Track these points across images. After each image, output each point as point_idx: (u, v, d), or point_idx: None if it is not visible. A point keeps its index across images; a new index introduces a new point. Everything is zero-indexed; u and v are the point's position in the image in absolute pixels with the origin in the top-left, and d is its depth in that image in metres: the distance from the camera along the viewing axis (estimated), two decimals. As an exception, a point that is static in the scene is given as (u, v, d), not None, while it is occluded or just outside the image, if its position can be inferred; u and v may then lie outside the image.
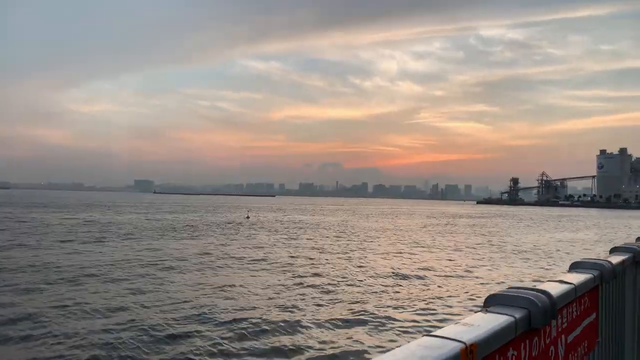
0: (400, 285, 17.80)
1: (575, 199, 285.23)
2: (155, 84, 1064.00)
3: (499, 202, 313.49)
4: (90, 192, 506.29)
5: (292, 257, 25.48)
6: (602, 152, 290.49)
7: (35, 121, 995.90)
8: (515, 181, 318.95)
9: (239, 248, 28.93)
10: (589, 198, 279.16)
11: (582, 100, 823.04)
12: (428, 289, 17.04)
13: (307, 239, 36.93)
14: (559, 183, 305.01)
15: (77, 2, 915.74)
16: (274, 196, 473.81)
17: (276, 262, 23.11)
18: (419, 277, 19.63)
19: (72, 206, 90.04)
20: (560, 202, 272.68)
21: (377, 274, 20.35)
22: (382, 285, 17.90)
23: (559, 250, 32.87)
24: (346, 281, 18.43)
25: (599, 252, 31.41)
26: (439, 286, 17.64)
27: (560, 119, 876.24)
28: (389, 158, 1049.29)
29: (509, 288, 1.70)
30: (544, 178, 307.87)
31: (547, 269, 23.08)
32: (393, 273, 20.50)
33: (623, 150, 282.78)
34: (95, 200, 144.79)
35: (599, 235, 48.89)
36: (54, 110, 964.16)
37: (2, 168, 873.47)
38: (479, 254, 28.99)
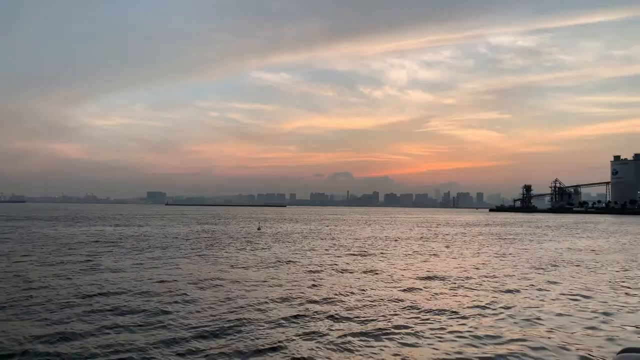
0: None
1: (590, 205, 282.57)
2: (167, 97, 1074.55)
3: (511, 209, 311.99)
4: (104, 204, 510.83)
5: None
6: (616, 158, 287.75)
7: (50, 136, 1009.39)
8: (527, 188, 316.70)
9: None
10: (604, 205, 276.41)
11: (595, 106, 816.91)
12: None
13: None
14: (572, 190, 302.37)
15: (90, 18, 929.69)
16: (284, 206, 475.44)
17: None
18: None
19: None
20: (574, 209, 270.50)
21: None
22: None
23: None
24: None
25: None
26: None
27: (573, 125, 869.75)
28: (400, 167, 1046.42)
29: None
30: (557, 185, 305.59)
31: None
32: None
33: (638, 156, 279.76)
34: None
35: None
36: (69, 125, 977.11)
37: (18, 182, 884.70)
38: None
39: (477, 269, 25.94)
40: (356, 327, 13.27)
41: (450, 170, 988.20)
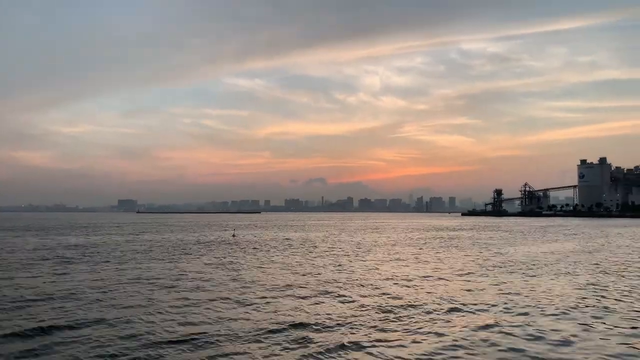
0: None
1: (558, 208, 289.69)
2: (139, 103, 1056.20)
3: (483, 213, 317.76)
4: (74, 212, 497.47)
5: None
6: (583, 162, 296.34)
7: (15, 143, 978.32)
8: (498, 192, 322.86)
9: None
10: (572, 208, 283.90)
11: (562, 111, 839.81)
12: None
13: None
14: (541, 193, 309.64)
15: (57, 22, 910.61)
16: (259, 213, 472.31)
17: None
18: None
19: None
20: (543, 212, 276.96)
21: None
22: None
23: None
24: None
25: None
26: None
27: (541, 130, 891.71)
28: (374, 172, 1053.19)
29: None
30: (527, 189, 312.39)
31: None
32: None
33: (603, 160, 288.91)
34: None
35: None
36: (35, 132, 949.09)
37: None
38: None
39: (455, 273, 26.01)
40: (336, 335, 13.03)
41: (423, 175, 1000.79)
